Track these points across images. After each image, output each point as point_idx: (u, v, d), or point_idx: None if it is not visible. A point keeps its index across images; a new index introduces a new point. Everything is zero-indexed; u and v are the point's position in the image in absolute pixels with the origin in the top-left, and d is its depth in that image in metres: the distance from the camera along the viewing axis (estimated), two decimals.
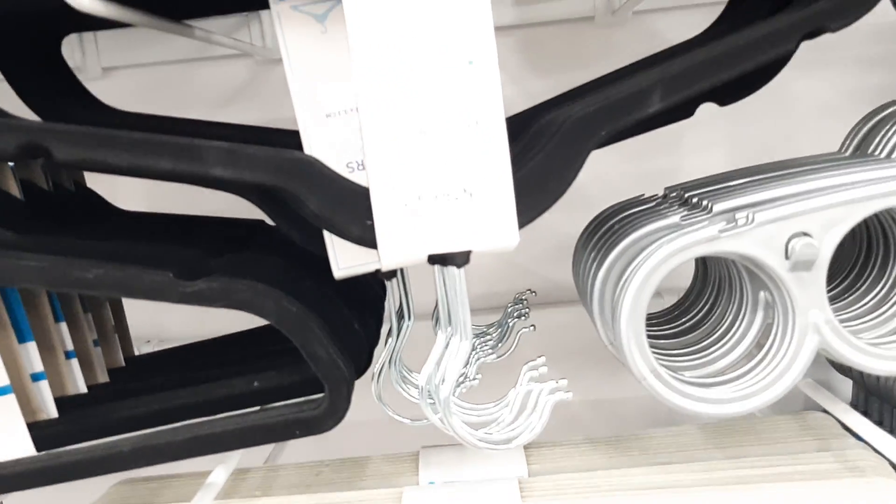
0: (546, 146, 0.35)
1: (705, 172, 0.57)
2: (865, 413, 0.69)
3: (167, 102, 0.73)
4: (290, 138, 0.41)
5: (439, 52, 0.35)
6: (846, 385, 0.72)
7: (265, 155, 0.35)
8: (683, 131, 0.74)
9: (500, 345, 0.48)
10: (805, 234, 0.36)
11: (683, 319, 0.48)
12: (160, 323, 0.75)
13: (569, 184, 0.36)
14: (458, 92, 0.35)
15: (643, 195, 0.50)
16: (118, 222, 0.51)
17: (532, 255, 0.78)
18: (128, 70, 0.72)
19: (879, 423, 0.67)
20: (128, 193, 0.60)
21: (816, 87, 0.73)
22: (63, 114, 0.47)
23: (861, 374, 0.65)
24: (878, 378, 0.62)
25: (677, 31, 0.62)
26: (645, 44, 0.71)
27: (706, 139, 0.73)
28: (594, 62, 0.72)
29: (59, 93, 0.49)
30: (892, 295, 0.42)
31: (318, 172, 0.36)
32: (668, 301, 0.53)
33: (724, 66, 0.35)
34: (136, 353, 0.57)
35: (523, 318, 0.50)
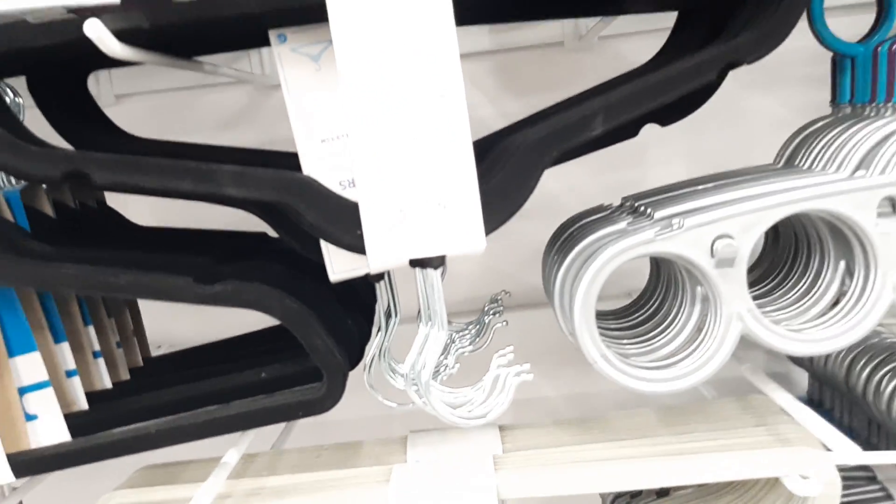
0: (506, 166, 0.42)
1: (667, 183, 0.63)
2: (820, 401, 0.75)
3: (175, 126, 0.80)
4: (290, 160, 0.47)
5: (416, 86, 0.42)
6: (803, 376, 0.78)
7: (270, 176, 0.42)
8: (648, 146, 0.81)
9: (477, 339, 0.54)
10: (727, 235, 0.42)
11: (637, 314, 0.54)
12: (170, 329, 0.80)
13: (527, 196, 0.42)
14: (432, 120, 0.42)
15: (602, 204, 0.57)
16: (136, 236, 0.58)
17: (512, 260, 0.83)
18: (138, 97, 0.78)
19: (831, 409, 0.74)
20: (137, 209, 0.66)
21: (768, 103, 0.80)
22: (89, 140, 0.54)
23: (811, 364, 0.71)
24: (824, 366, 0.68)
25: (640, 54, 0.68)
26: (610, 66, 0.78)
27: (668, 152, 0.80)
28: (564, 84, 0.79)
29: (85, 121, 0.55)
30: (812, 288, 0.48)
31: (316, 190, 0.42)
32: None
33: (655, 94, 0.42)
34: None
35: (498, 315, 0.56)
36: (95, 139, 0.55)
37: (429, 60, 0.41)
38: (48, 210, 0.52)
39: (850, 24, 0.56)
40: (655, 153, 0.80)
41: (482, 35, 0.77)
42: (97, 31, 0.39)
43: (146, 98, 0.78)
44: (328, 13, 0.41)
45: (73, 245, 0.50)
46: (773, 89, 0.79)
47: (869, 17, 0.56)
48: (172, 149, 0.55)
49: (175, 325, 0.81)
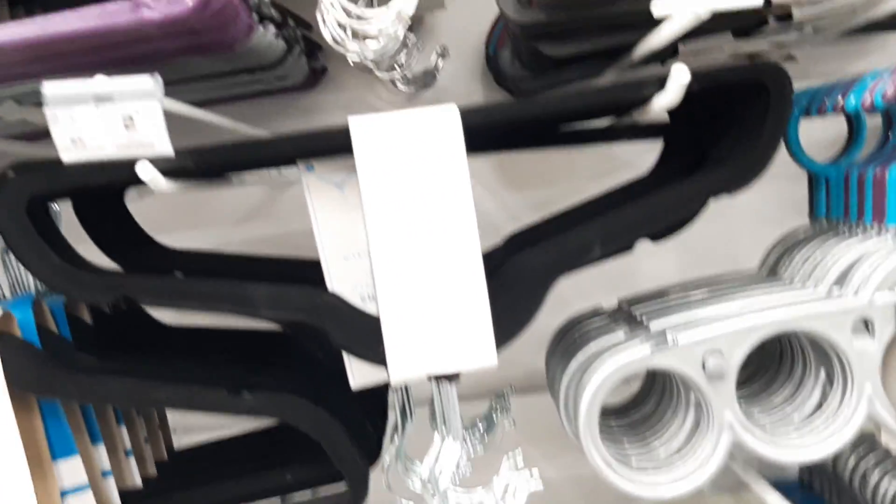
0: (515, 288, 0.46)
1: (658, 274, 0.67)
2: (811, 484, 0.78)
3: (195, 220, 0.84)
4: (314, 270, 0.51)
5: (432, 215, 0.46)
6: None
7: (301, 299, 0.46)
8: None
9: (486, 436, 0.58)
10: (717, 351, 0.46)
11: (636, 412, 0.58)
12: (183, 414, 0.83)
13: (533, 315, 0.47)
14: (447, 247, 0.46)
15: (601, 307, 0.61)
16: (166, 337, 0.61)
17: (516, 346, 0.87)
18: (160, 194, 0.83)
19: (821, 493, 0.77)
20: None
21: (754, 197, 0.84)
22: (126, 254, 0.58)
23: None
24: None
25: (631, 153, 0.73)
26: (604, 165, 0.83)
27: (659, 245, 0.84)
28: (561, 180, 0.84)
29: (122, 233, 0.59)
30: (794, 395, 0.52)
31: (342, 311, 0.47)
32: (636, 386, 0.63)
33: (648, 224, 0.47)
34: None
35: (505, 412, 0.60)
36: (135, 255, 0.59)
37: (443, 193, 0.46)
38: (86, 317, 0.56)
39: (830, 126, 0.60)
40: (646, 246, 0.85)
41: None
42: (150, 174, 0.44)
43: (168, 194, 0.83)
44: (353, 150, 0.45)
45: (111, 352, 0.53)
46: (759, 185, 0.84)
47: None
48: (204, 261, 0.59)
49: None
